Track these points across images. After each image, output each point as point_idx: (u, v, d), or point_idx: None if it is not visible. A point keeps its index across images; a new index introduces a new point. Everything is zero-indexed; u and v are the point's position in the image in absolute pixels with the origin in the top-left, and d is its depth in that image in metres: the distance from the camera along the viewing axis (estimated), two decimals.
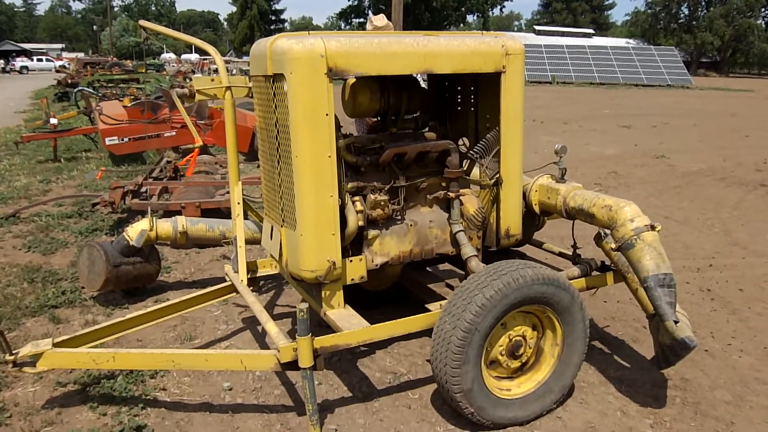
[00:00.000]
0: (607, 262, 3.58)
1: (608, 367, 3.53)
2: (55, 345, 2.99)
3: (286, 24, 77.28)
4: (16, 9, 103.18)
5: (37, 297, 4.42)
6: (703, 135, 13.96)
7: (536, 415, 2.98)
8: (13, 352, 2.91)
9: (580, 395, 3.23)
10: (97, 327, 3.31)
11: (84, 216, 6.64)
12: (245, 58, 41.01)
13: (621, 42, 54.37)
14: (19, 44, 74.04)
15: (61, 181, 8.58)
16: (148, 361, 2.98)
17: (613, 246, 3.11)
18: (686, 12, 64.32)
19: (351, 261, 3.01)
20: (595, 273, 3.51)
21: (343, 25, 57.59)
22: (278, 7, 70.69)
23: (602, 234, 3.45)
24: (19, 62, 57.40)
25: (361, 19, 55.92)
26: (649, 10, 65.68)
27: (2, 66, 56.13)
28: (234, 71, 26.36)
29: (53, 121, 10.27)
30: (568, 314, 2.91)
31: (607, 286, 3.56)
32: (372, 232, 3.09)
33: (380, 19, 3.17)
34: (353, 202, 3.01)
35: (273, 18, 70.79)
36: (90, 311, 4.25)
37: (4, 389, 3.25)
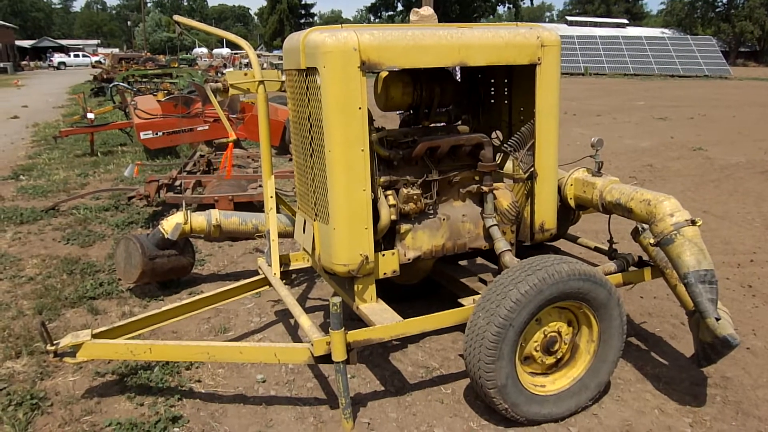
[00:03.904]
0: (645, 257, 3.50)
1: (645, 364, 3.46)
2: (94, 336, 3.05)
3: (315, 18, 77.50)
4: (53, 6, 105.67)
5: (76, 288, 4.53)
6: (743, 127, 13.55)
7: (571, 412, 2.93)
8: (54, 342, 2.98)
9: (617, 392, 3.17)
10: (133, 319, 3.38)
11: (120, 209, 6.78)
12: (276, 52, 41.25)
13: (656, 32, 53.09)
14: (56, 40, 75.84)
15: (98, 174, 8.77)
16: (184, 353, 3.03)
17: (652, 241, 3.04)
18: (724, 0, 62.43)
19: (383, 255, 3.00)
20: (632, 268, 3.44)
21: (372, 18, 57.40)
22: (308, 1, 70.92)
23: (640, 229, 3.37)
24: (57, 58, 58.78)
25: (390, 12, 55.69)
26: None
27: (50, 62, 57.62)
28: (265, 65, 26.51)
29: (90, 116, 10.49)
30: (605, 310, 2.85)
31: (644, 282, 3.49)
32: (404, 227, 3.08)
33: (426, 9, 3.15)
34: (386, 196, 3.00)
35: (302, 12, 71.13)
36: (127, 303, 4.33)
37: (46, 378, 3.35)
